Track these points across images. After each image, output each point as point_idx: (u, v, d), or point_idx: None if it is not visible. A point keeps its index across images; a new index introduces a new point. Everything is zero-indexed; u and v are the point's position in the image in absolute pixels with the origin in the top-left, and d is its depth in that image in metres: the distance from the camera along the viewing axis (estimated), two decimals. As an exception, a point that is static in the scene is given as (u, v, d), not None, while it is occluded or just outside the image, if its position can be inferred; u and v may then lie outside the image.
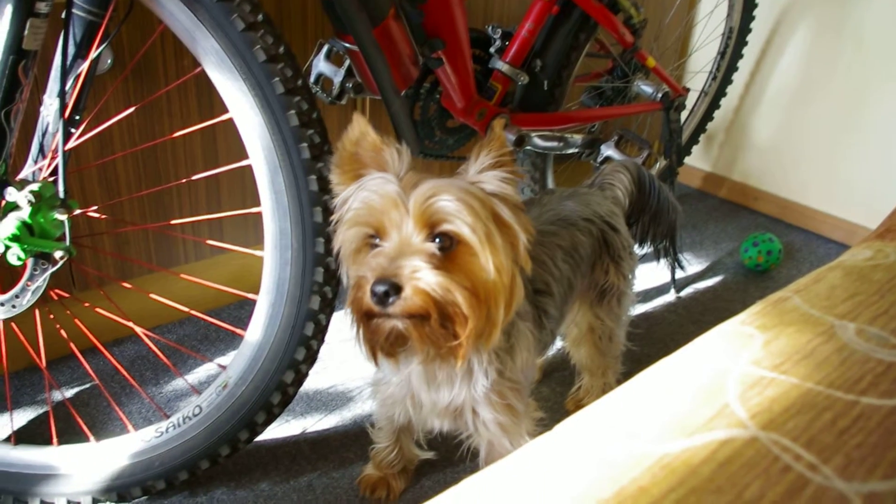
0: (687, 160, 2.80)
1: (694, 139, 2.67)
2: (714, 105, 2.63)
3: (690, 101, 2.47)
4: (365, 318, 0.94)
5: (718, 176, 2.90)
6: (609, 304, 1.37)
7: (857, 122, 2.43)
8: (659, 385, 0.62)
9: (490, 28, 1.73)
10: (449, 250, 0.92)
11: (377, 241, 0.94)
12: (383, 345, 0.97)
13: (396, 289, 0.88)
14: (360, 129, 0.99)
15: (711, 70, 2.57)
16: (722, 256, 2.38)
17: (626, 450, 0.53)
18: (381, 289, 0.88)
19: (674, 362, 0.66)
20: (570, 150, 1.81)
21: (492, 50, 1.72)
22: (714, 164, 2.92)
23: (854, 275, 0.84)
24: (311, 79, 1.59)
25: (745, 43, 2.51)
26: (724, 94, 2.62)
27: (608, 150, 1.83)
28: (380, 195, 0.93)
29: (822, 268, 0.87)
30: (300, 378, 1.29)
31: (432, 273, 0.89)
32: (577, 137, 1.82)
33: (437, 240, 0.92)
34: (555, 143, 1.77)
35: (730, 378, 0.61)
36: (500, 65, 1.69)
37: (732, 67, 2.55)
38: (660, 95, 2.02)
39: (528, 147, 1.74)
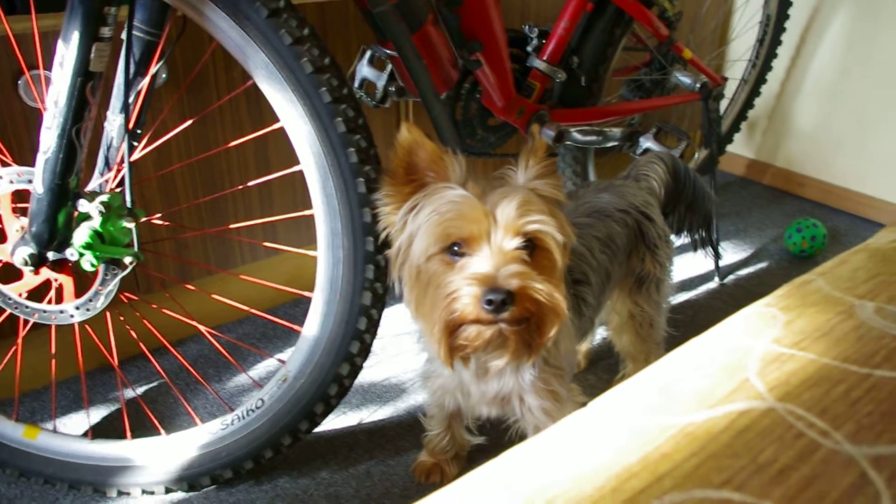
0: (730, 148, 2.80)
1: (735, 127, 2.67)
2: (754, 93, 2.63)
3: (730, 89, 2.48)
4: (460, 326, 0.96)
5: (762, 163, 2.90)
6: (647, 291, 1.41)
7: (900, 102, 2.41)
8: (685, 364, 0.66)
9: (527, 27, 1.77)
10: (531, 254, 0.97)
11: (459, 249, 0.96)
12: (477, 349, 0.99)
13: (512, 297, 0.91)
14: (413, 138, 1.00)
15: (750, 58, 2.57)
16: (766, 243, 2.38)
17: (653, 421, 0.58)
18: (497, 297, 0.90)
19: (700, 343, 0.71)
20: (610, 144, 1.84)
21: (529, 49, 1.76)
22: (757, 151, 2.91)
23: (878, 257, 0.87)
24: (356, 83, 1.64)
25: (784, 30, 2.51)
26: (765, 82, 2.62)
27: (647, 142, 1.86)
28: (467, 205, 0.95)
29: (847, 251, 0.91)
30: (355, 370, 1.34)
31: (540, 280, 0.93)
32: (616, 131, 1.85)
33: (524, 246, 0.96)
34: (594, 137, 1.81)
35: (751, 355, 0.66)
36: (538, 63, 1.73)
37: (771, 55, 2.56)
38: (698, 86, 2.04)
39: (569, 142, 1.78)
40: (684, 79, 2.06)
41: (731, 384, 0.61)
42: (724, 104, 2.38)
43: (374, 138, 1.28)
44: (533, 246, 0.97)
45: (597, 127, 1.81)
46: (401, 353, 1.79)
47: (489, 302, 0.91)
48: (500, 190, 0.97)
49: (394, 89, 1.60)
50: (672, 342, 1.60)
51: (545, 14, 2.21)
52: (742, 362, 0.65)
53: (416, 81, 1.43)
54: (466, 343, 0.98)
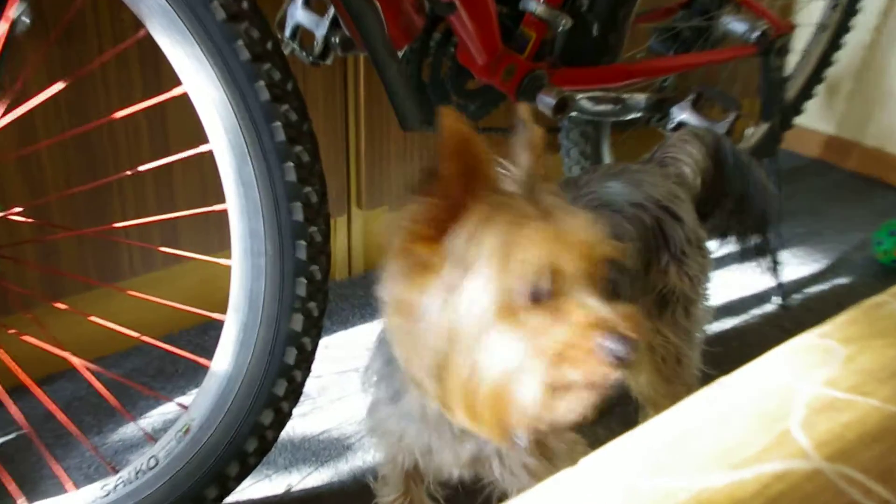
0: (799, 121, 2.81)
1: (807, 93, 2.66)
2: (835, 44, 2.62)
3: (801, 40, 2.49)
4: (563, 391, 0.93)
5: (845, 140, 2.90)
6: (673, 315, 1.40)
7: None
8: (709, 410, 0.69)
9: (519, -43, 1.79)
10: None
11: (540, 289, 0.91)
12: (572, 418, 0.96)
13: (635, 345, 0.89)
14: (464, 129, 0.91)
15: (832, -5, 2.57)
16: (848, 251, 2.40)
17: (659, 483, 0.60)
18: (622, 348, 0.89)
19: (730, 384, 0.73)
20: (631, 115, 1.85)
21: (522, -14, 1.78)
22: (839, 124, 2.92)
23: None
24: (287, 33, 1.64)
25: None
26: (849, 29, 2.61)
27: (682, 114, 1.87)
28: (551, 228, 0.92)
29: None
30: (281, 419, 1.36)
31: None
32: (641, 98, 1.86)
33: None
34: (610, 107, 1.81)
35: (795, 401, 0.68)
36: (534, 6, 1.73)
37: (860, -10, 2.55)
38: (755, 35, 2.04)
39: (575, 113, 1.80)
40: (737, 25, 2.06)
41: (765, 438, 0.63)
42: (791, 60, 2.38)
43: (311, 109, 1.30)
44: None
45: (613, 93, 1.83)
46: (344, 397, 1.81)
47: (614, 355, 0.89)
48: (554, 203, 0.96)
49: (338, 41, 1.60)
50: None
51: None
52: (783, 410, 0.67)
53: (364, 32, 1.42)
54: (564, 412, 0.95)
